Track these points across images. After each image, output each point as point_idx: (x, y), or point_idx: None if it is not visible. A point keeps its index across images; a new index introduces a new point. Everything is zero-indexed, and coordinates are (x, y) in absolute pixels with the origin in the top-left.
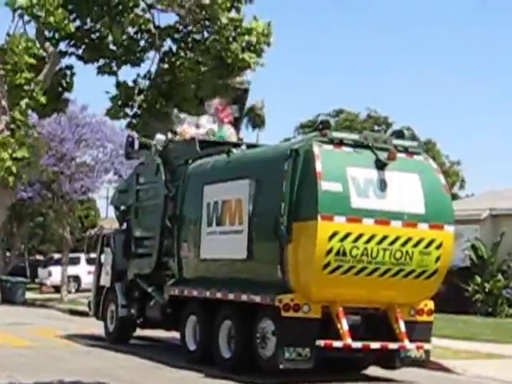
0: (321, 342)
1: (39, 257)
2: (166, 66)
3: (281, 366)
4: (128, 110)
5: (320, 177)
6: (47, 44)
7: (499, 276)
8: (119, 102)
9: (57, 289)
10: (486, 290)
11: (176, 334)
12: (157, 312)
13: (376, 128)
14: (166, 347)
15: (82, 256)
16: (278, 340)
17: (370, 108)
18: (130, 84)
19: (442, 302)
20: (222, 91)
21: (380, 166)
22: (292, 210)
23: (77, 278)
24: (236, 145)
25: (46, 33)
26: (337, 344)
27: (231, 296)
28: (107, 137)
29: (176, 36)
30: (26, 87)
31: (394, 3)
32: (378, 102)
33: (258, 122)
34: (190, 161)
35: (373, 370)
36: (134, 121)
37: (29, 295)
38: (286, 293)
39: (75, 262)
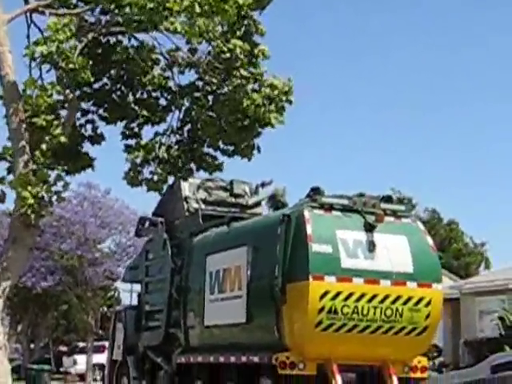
0: None
1: (64, 348)
2: (187, 123)
3: None
4: (146, 173)
5: (311, 239)
6: (67, 91)
7: None
8: (138, 160)
9: (82, 377)
10: None
11: None
12: (166, 382)
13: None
14: None
15: (107, 344)
16: None
17: (395, 189)
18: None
19: None
20: (245, 150)
21: (368, 228)
22: (285, 271)
23: (102, 367)
24: (237, 217)
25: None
26: None
27: (233, 359)
28: (130, 221)
29: (196, 94)
30: (47, 130)
31: (428, 80)
32: (403, 183)
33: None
34: (193, 234)
35: None
36: (155, 177)
37: None
38: (283, 352)
39: (100, 350)
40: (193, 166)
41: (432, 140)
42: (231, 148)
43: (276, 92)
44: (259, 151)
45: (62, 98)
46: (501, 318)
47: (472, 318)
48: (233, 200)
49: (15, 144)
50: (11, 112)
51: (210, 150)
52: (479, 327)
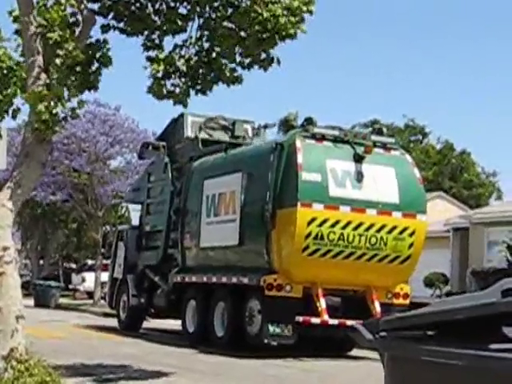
0: (299, 318)
1: (73, 265)
2: (206, 32)
3: (265, 341)
4: (169, 85)
5: (301, 168)
6: (82, 6)
7: None
8: (160, 73)
9: (90, 295)
10: None
11: None
12: (162, 300)
13: (412, 138)
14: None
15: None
16: (263, 317)
17: (408, 116)
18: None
19: None
20: (264, 62)
21: (357, 159)
22: (276, 198)
23: None
24: (236, 144)
25: None
26: (315, 320)
27: (224, 279)
28: (140, 140)
29: (215, 4)
30: (61, 45)
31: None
32: (417, 111)
33: None
34: (193, 158)
35: (357, 352)
36: (177, 90)
37: (62, 301)
38: (271, 274)
39: (109, 268)
40: (212, 76)
41: (447, 69)
42: (247, 61)
43: (296, 3)
44: (279, 63)
45: (76, 10)
46: (509, 247)
47: (480, 248)
48: (233, 141)
49: (28, 58)
50: (24, 26)
51: (228, 62)
52: (487, 257)
